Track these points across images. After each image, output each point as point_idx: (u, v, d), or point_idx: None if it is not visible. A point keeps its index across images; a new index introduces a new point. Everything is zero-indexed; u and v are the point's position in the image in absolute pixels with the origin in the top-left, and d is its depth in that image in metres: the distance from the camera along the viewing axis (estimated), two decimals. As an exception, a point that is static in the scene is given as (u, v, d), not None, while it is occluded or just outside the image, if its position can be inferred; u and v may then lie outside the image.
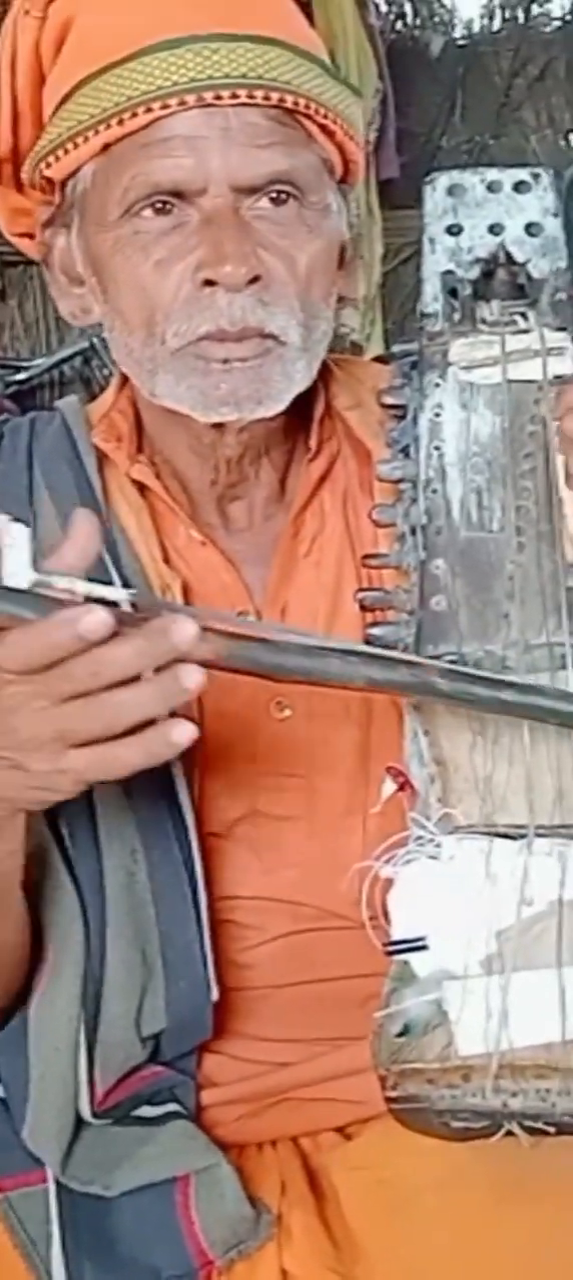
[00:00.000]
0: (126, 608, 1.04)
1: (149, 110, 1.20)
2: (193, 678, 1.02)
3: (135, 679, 1.02)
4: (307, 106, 1.23)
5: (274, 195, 1.23)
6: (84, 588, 1.03)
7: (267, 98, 1.21)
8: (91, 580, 1.04)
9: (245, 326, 1.21)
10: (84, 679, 1.01)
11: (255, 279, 1.21)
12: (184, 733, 1.03)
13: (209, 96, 1.20)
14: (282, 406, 1.25)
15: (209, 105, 1.20)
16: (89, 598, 1.02)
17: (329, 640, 1.08)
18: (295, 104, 1.22)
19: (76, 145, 1.24)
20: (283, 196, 1.23)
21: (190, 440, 1.28)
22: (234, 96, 1.20)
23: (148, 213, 1.22)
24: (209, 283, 1.20)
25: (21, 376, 4.13)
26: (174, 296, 1.22)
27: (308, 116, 1.24)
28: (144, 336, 1.24)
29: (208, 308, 1.21)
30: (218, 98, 1.20)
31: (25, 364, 4.22)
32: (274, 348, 1.22)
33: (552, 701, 1.08)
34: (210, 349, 1.22)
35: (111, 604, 1.02)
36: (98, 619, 0.99)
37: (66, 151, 1.25)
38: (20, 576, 1.01)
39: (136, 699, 1.02)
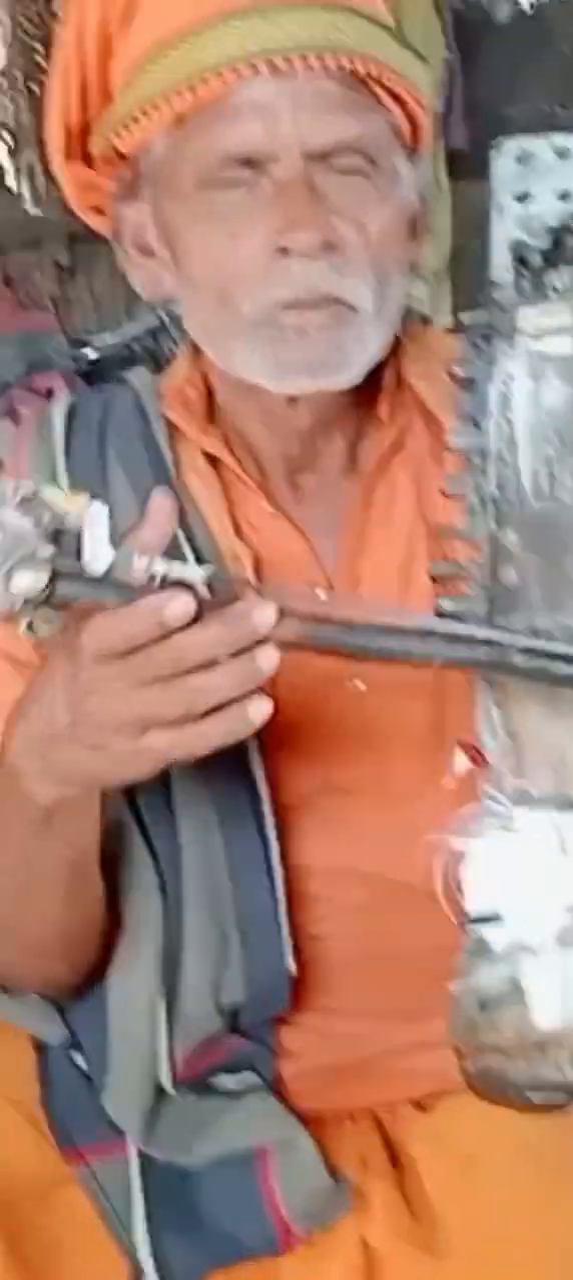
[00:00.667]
0: (203, 587, 1.05)
1: (221, 78, 1.21)
2: (269, 659, 1.02)
3: (213, 661, 1.02)
4: (377, 72, 1.23)
5: (345, 162, 1.22)
6: (162, 567, 1.03)
7: (337, 61, 1.21)
8: (169, 559, 1.04)
9: (320, 293, 1.21)
10: (165, 664, 1.02)
11: (329, 246, 1.21)
12: (261, 710, 1.04)
13: (280, 63, 1.20)
14: (357, 375, 1.25)
15: (280, 72, 1.20)
16: (167, 577, 1.03)
17: (408, 619, 1.08)
18: (366, 69, 1.22)
19: (148, 116, 1.25)
20: (354, 163, 1.23)
21: (262, 413, 1.29)
22: (305, 62, 1.20)
23: (222, 182, 1.23)
24: (284, 251, 1.21)
25: (91, 354, 4.14)
26: (249, 265, 1.22)
27: (377, 82, 1.23)
28: (218, 307, 1.24)
29: (284, 275, 1.21)
30: (289, 64, 1.20)
31: (96, 342, 4.23)
32: (348, 314, 1.22)
33: None
34: (286, 317, 1.22)
35: (189, 585, 1.03)
36: (181, 606, 1.00)
37: (137, 122, 1.26)
38: (100, 556, 1.02)
39: (216, 682, 1.03)
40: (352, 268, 1.22)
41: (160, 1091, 1.28)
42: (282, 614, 1.03)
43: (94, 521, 1.02)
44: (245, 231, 1.22)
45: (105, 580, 1.02)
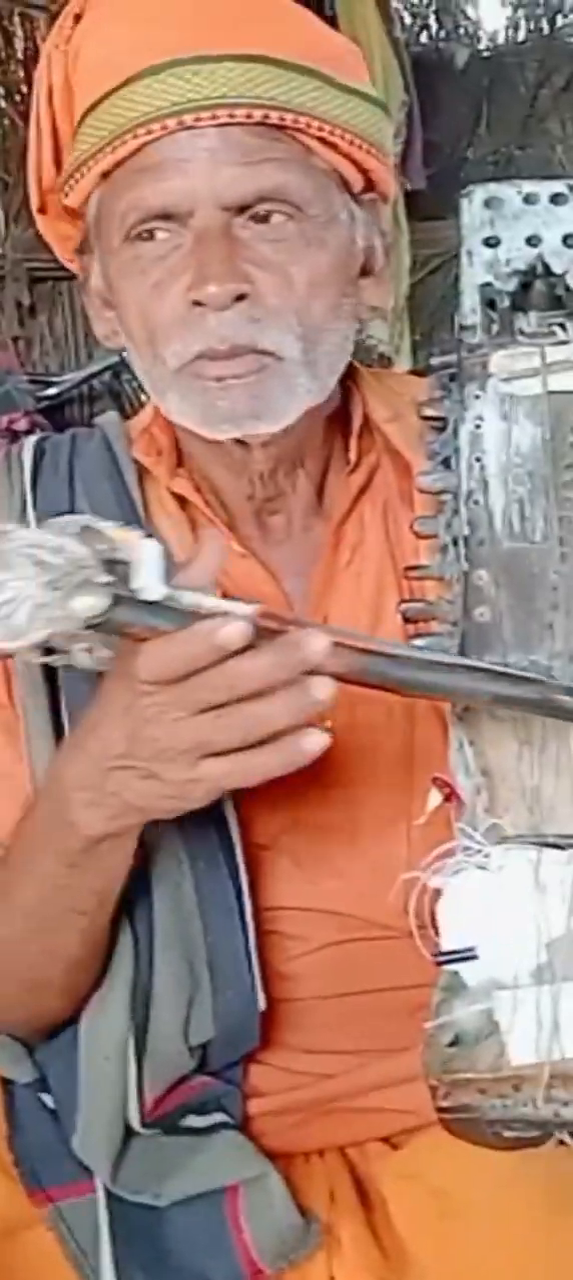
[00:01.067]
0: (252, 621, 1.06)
1: (136, 137, 1.23)
2: (324, 689, 1.04)
3: (268, 691, 1.04)
4: (296, 121, 1.23)
5: (266, 212, 1.23)
6: (211, 604, 1.05)
7: (249, 116, 1.21)
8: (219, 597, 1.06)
9: (235, 345, 1.22)
10: (220, 690, 1.04)
11: (242, 297, 1.22)
12: (318, 741, 1.06)
13: (190, 119, 1.21)
14: (286, 422, 1.25)
15: (191, 128, 1.21)
16: (216, 614, 1.04)
17: (452, 656, 1.10)
18: (282, 119, 1.22)
19: (82, 175, 1.28)
20: (276, 212, 1.23)
21: (222, 455, 1.30)
22: (214, 117, 1.21)
23: (146, 236, 1.24)
24: (198, 303, 1.22)
25: (52, 391, 4.15)
26: (170, 317, 1.24)
27: (301, 130, 1.24)
28: (150, 357, 1.26)
29: (199, 327, 1.22)
30: (198, 119, 1.21)
31: (55, 379, 4.24)
32: (271, 364, 1.23)
33: None
34: (206, 368, 1.24)
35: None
36: (236, 629, 1.02)
37: (76, 181, 1.28)
38: (151, 591, 1.03)
39: (270, 711, 1.04)
40: (270, 317, 1.23)
41: (129, 1131, 1.27)
42: (334, 646, 1.04)
43: (147, 556, 1.04)
44: (167, 284, 1.24)
45: (162, 606, 1.04)
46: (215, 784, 1.09)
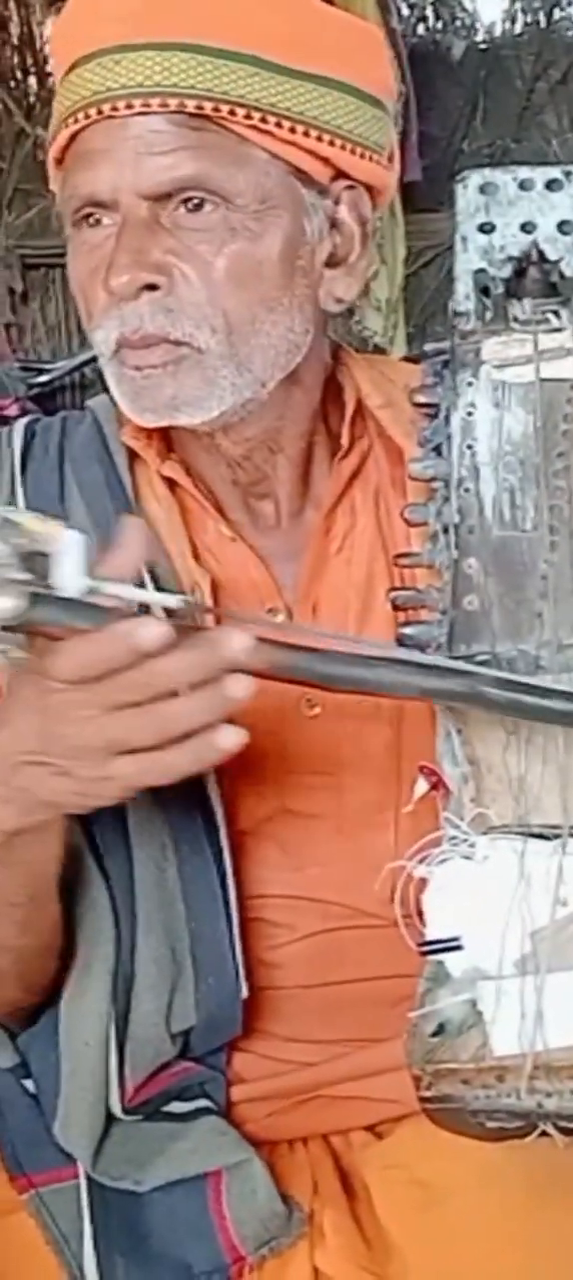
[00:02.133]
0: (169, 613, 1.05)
1: (67, 126, 1.24)
2: (242, 687, 1.03)
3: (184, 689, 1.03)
4: (217, 109, 1.21)
5: (192, 201, 1.22)
6: (135, 594, 1.04)
7: (164, 104, 1.20)
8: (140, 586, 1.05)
9: (145, 334, 1.22)
10: (137, 689, 1.02)
11: (153, 287, 1.21)
12: (232, 738, 1.04)
13: (108, 109, 1.21)
14: (210, 415, 1.24)
15: (110, 118, 1.21)
16: (140, 604, 1.03)
17: (381, 648, 1.09)
18: (200, 108, 1.20)
19: (50, 162, 1.29)
20: (199, 201, 1.22)
21: (198, 439, 1.30)
22: (130, 107, 1.20)
23: (89, 222, 1.25)
24: (112, 292, 1.22)
25: (44, 379, 4.14)
26: (97, 306, 1.24)
27: (226, 119, 1.21)
28: (93, 342, 1.27)
29: (115, 316, 1.23)
30: (115, 109, 1.21)
31: (47, 366, 4.23)
32: (191, 355, 1.23)
33: None
34: (127, 356, 1.24)
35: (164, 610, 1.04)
36: (156, 631, 1.00)
37: (50, 168, 1.30)
38: (73, 583, 1.02)
39: (187, 709, 1.03)
40: (184, 308, 1.22)
41: (111, 1117, 1.27)
42: (255, 642, 1.03)
43: (69, 549, 1.02)
44: (98, 271, 1.24)
45: (81, 605, 1.02)
46: (128, 782, 1.07)
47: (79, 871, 1.26)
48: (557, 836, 1.07)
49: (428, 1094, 1.03)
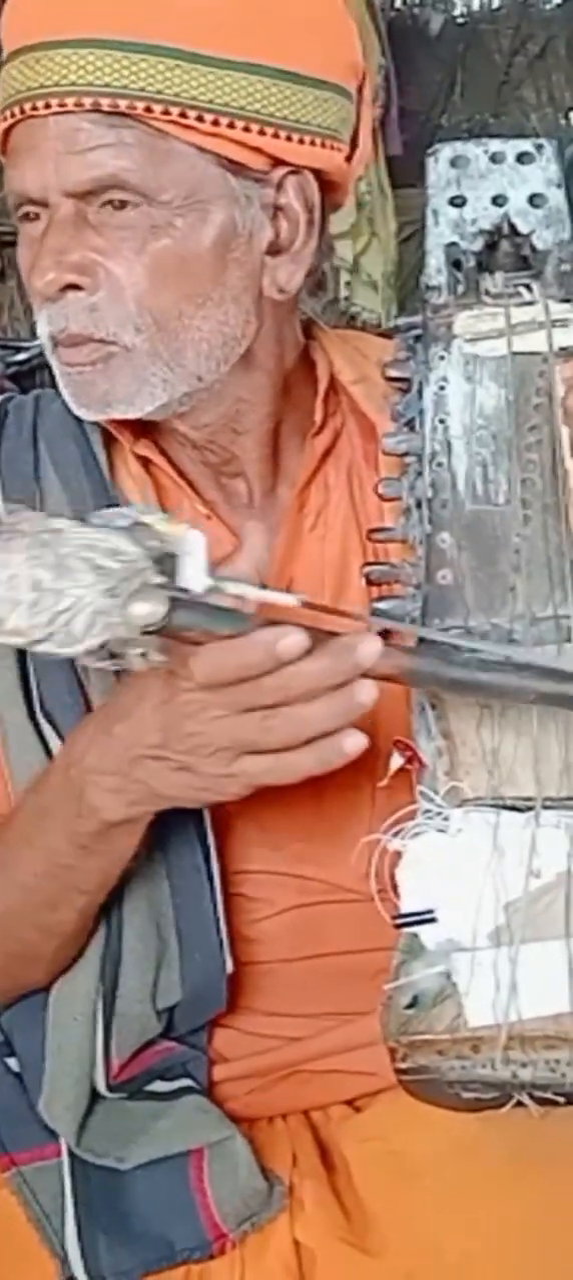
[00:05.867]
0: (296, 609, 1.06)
1: (3, 122, 1.23)
2: (369, 694, 1.04)
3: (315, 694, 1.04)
4: (132, 106, 1.19)
5: (113, 199, 1.21)
6: (256, 595, 1.04)
7: (79, 103, 1.19)
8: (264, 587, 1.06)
9: (70, 333, 1.22)
10: (271, 694, 1.04)
11: (73, 287, 1.21)
12: (356, 743, 1.06)
13: (28, 108, 1.21)
14: (142, 410, 1.24)
15: (31, 116, 1.21)
16: (261, 604, 1.04)
17: (507, 651, 1.09)
18: (114, 105, 1.19)
19: None
20: (122, 200, 1.21)
21: (163, 421, 1.30)
22: (47, 106, 1.20)
23: (27, 217, 1.25)
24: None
25: (21, 357, 4.12)
26: (34, 300, 1.25)
27: (142, 115, 1.19)
28: None
29: (46, 314, 1.23)
30: (35, 109, 1.20)
31: (25, 344, 4.22)
32: (119, 353, 1.22)
33: None
34: (60, 353, 1.24)
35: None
36: (295, 641, 1.02)
37: None
38: (196, 583, 1.02)
39: (316, 714, 1.05)
40: (108, 306, 1.21)
41: (95, 1095, 1.27)
42: (385, 648, 1.04)
43: (192, 549, 1.02)
44: (33, 265, 1.24)
45: (221, 610, 1.03)
46: (252, 780, 1.10)
47: None
48: (530, 809, 1.07)
49: (404, 1066, 1.04)
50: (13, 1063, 1.31)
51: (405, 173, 4.34)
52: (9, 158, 1.25)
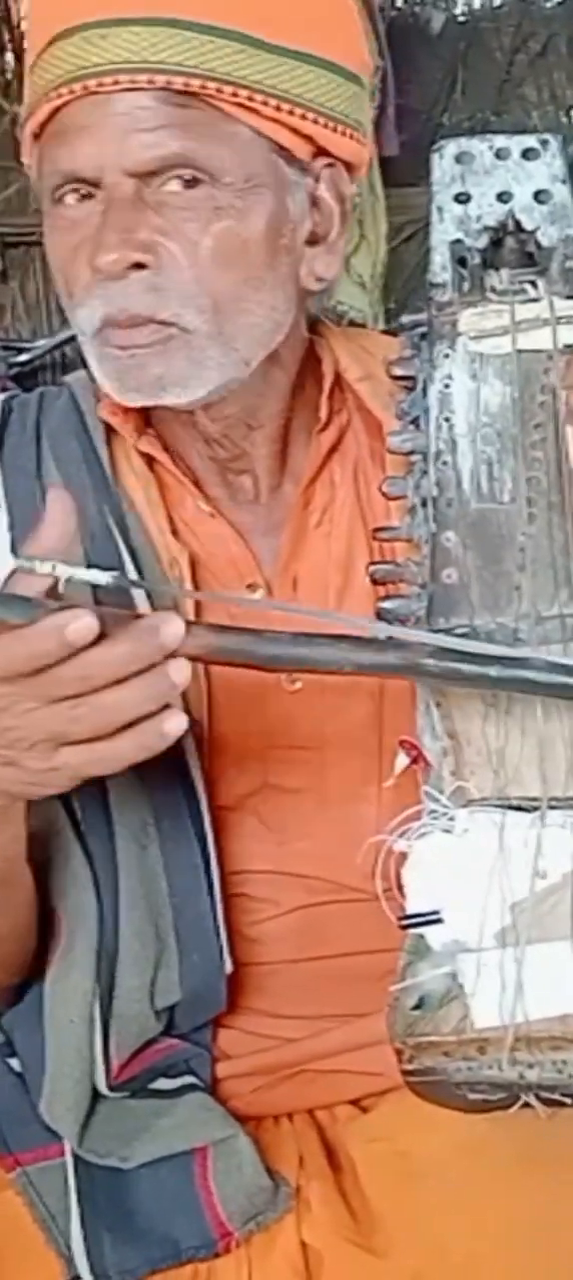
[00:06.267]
0: (107, 585, 1.04)
1: (49, 100, 1.22)
2: (182, 673, 1.02)
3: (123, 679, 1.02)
4: (205, 86, 1.20)
5: (178, 178, 1.21)
6: (65, 571, 1.03)
7: (151, 81, 1.19)
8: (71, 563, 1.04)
9: (132, 314, 1.21)
10: (73, 683, 1.02)
11: (141, 266, 1.20)
12: (176, 724, 1.04)
13: (93, 85, 1.20)
14: (197, 395, 1.24)
15: (95, 94, 1.20)
16: (71, 580, 1.02)
17: (330, 618, 1.08)
18: (187, 85, 1.19)
19: (23, 135, 1.27)
20: (187, 179, 1.21)
21: (176, 415, 1.29)
22: (116, 83, 1.19)
23: (70, 199, 1.23)
24: (98, 270, 1.21)
25: (24, 358, 4.13)
26: (81, 282, 1.23)
27: (212, 96, 1.20)
28: (73, 320, 1.25)
29: (101, 295, 1.21)
30: (101, 85, 1.19)
31: (27, 345, 4.22)
32: (177, 335, 1.22)
33: (539, 674, 1.06)
34: (112, 335, 1.22)
35: (95, 588, 1.03)
36: (84, 625, 1.00)
37: (23, 140, 1.28)
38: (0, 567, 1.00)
39: (127, 699, 1.02)
40: (172, 287, 1.21)
41: (97, 1095, 1.27)
42: (191, 627, 1.02)
43: None
44: (81, 249, 1.22)
45: (9, 598, 1.01)
46: (75, 772, 1.07)
47: (59, 849, 1.26)
48: (536, 808, 1.07)
49: (410, 1067, 1.03)
50: (15, 1063, 1.31)
51: (407, 171, 4.34)
52: (55, 137, 1.23)
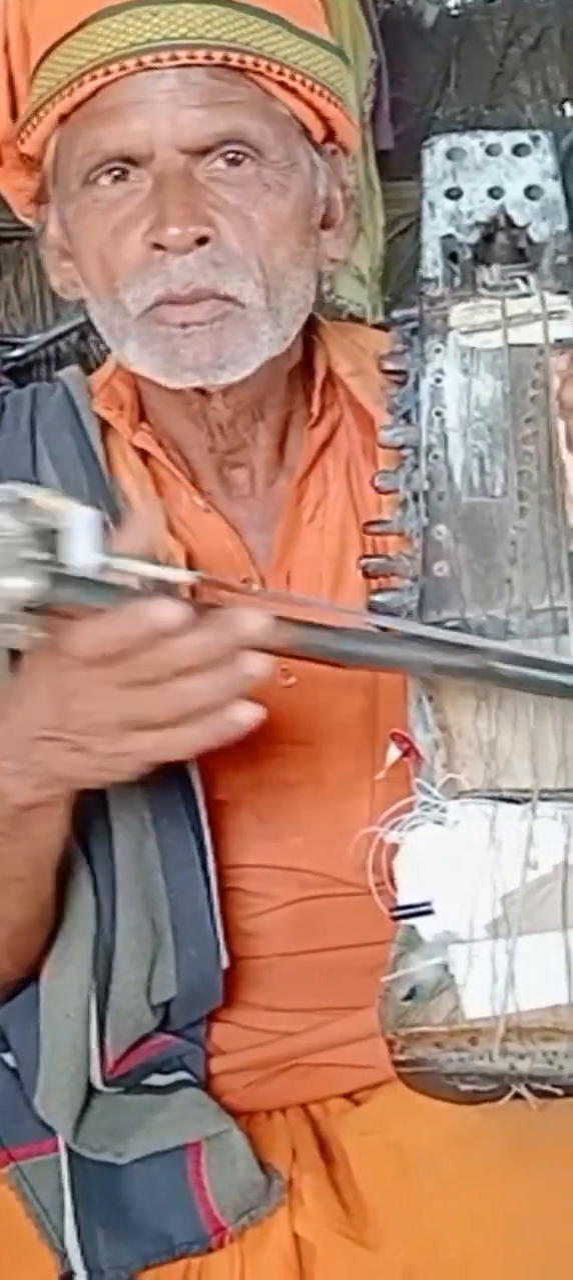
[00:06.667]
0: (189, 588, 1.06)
1: (94, 78, 1.21)
2: (258, 666, 1.03)
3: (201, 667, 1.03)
4: (256, 64, 1.22)
5: (228, 155, 1.22)
6: (148, 570, 1.04)
7: (209, 57, 1.20)
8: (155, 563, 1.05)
9: (197, 289, 1.21)
10: (153, 669, 1.03)
11: (204, 240, 1.20)
12: (249, 714, 1.05)
13: (149, 60, 1.20)
14: (249, 370, 1.24)
15: (150, 69, 1.20)
16: (156, 580, 1.03)
17: (395, 624, 1.09)
18: (242, 61, 1.21)
19: (40, 120, 1.26)
20: (238, 156, 1.22)
21: (182, 406, 1.29)
22: (174, 58, 1.20)
23: (105, 180, 1.23)
24: (159, 246, 1.20)
25: (17, 353, 4.13)
26: (130, 262, 1.22)
27: (261, 74, 1.22)
28: (110, 304, 1.25)
29: (159, 272, 1.21)
30: (158, 60, 1.20)
31: (21, 340, 4.22)
32: (234, 310, 1.22)
33: None
34: (168, 313, 1.22)
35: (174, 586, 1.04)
36: (173, 612, 1.01)
37: (34, 127, 1.27)
38: (87, 560, 1.02)
39: (203, 687, 1.03)
40: (232, 262, 1.21)
41: (91, 1090, 1.27)
42: (273, 621, 1.03)
43: (82, 525, 1.02)
44: (126, 228, 1.22)
45: (101, 585, 1.02)
46: (144, 757, 1.08)
47: None
48: (527, 800, 1.07)
49: (402, 1058, 1.03)
50: (8, 1058, 1.31)
51: (400, 165, 4.34)
52: (94, 118, 1.22)
